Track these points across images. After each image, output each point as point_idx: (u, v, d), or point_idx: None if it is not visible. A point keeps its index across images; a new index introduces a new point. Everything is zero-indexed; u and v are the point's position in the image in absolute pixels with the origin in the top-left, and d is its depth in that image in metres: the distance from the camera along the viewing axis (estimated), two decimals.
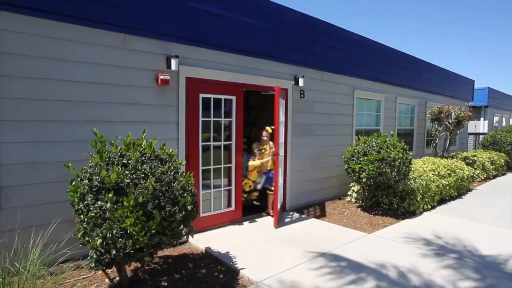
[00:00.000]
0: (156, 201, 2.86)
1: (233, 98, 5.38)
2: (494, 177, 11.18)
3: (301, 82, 6.35)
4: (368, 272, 3.84)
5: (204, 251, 4.41)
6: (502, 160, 11.67)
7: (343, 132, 7.73)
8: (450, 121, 9.87)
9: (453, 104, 11.61)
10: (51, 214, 3.63)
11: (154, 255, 3.28)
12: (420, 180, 6.73)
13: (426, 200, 6.63)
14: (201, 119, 4.99)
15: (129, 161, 3.01)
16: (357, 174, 6.08)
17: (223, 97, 5.26)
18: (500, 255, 4.40)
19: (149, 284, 3.45)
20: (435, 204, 6.98)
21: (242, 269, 3.83)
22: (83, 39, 3.90)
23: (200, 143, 5.02)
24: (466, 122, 10.20)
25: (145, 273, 3.70)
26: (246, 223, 5.57)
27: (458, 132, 10.51)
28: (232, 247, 4.47)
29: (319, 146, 7.07)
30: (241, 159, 5.60)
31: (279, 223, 5.53)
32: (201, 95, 4.97)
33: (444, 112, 9.80)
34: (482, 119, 17.72)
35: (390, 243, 4.79)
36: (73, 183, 2.92)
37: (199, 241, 4.64)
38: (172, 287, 3.45)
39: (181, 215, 3.02)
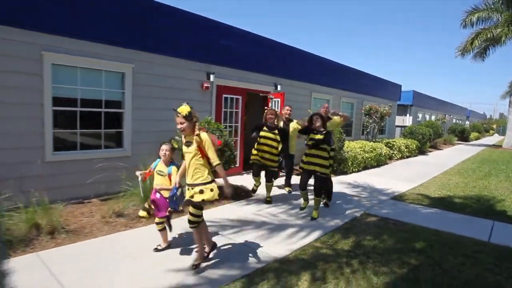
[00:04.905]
0: (225, 146, 6.23)
1: (240, 97, 8.75)
2: (408, 157, 15.50)
3: (279, 87, 9.85)
4: None
5: None
6: (414, 145, 16.06)
7: None
8: (377, 116, 13.96)
9: (384, 103, 15.75)
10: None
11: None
12: (351, 153, 10.57)
13: (354, 165, 10.50)
14: (223, 109, 8.32)
15: (209, 129, 6.33)
16: None
17: (234, 96, 8.61)
18: (386, 188, 8.30)
19: None
20: (360, 169, 10.89)
21: None
22: (169, 63, 7.07)
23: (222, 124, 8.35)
24: (387, 117, 14.36)
25: None
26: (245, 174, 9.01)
27: (382, 124, 14.67)
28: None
29: None
30: (242, 136, 8.99)
31: None
32: (224, 95, 8.29)
33: (373, 109, 13.85)
34: (408, 115, 22.46)
35: None
36: (175, 139, 6.20)
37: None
38: None
39: (232, 156, 6.42)
